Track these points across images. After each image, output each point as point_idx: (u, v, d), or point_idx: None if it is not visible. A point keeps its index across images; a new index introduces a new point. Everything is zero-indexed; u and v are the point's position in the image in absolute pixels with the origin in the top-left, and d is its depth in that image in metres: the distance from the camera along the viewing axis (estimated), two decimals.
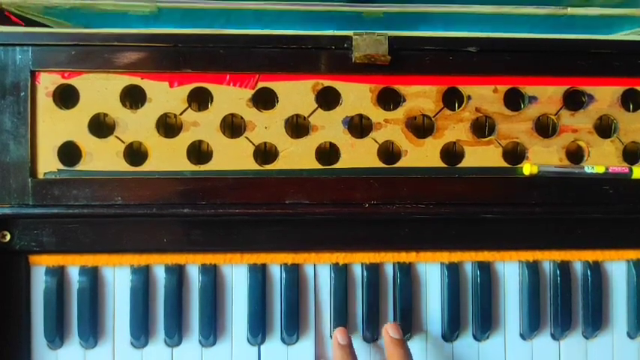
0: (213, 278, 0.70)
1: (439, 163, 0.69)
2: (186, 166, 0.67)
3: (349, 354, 0.66)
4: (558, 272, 0.72)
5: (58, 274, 0.68)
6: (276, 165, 0.68)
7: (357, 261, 0.71)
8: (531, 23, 0.70)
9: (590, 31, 0.72)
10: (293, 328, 0.69)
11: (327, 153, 0.70)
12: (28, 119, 0.66)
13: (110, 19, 0.67)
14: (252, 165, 0.68)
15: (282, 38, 0.67)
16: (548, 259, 0.72)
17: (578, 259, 0.73)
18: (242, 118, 0.68)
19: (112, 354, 0.69)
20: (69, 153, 0.67)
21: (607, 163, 0.70)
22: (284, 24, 0.68)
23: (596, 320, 0.72)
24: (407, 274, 0.71)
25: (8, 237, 0.67)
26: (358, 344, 0.70)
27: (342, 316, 0.70)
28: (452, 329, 0.70)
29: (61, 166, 0.66)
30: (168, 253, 0.70)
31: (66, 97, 0.67)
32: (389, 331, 0.67)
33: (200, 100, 0.69)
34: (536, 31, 0.70)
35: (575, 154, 0.71)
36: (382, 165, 0.69)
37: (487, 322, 0.71)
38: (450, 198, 0.68)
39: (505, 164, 0.70)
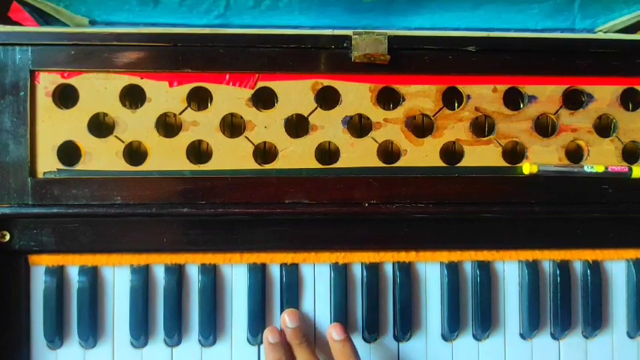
0: (212, 278, 0.69)
1: (439, 163, 0.69)
2: (186, 165, 0.67)
3: (280, 349, 0.66)
4: (558, 272, 0.72)
5: (58, 274, 0.68)
6: (276, 164, 0.68)
7: (357, 260, 0.71)
8: (530, 6, 0.69)
9: (590, 15, 0.71)
10: None
11: (327, 152, 0.70)
12: (27, 119, 0.66)
13: (109, 5, 0.67)
14: (251, 164, 0.68)
15: (281, 38, 0.67)
16: (547, 258, 0.72)
17: (578, 258, 0.73)
18: (241, 117, 0.68)
19: (112, 354, 0.69)
20: (68, 153, 0.67)
21: (606, 162, 0.70)
22: (282, 10, 0.68)
23: (595, 320, 0.72)
24: (406, 273, 0.71)
25: (8, 237, 0.67)
26: (358, 344, 0.70)
27: (341, 316, 0.70)
28: (451, 329, 0.70)
29: (61, 166, 0.66)
30: (168, 253, 0.70)
31: (65, 97, 0.67)
32: (332, 333, 0.67)
33: (199, 99, 0.69)
34: (535, 16, 0.69)
35: (575, 154, 0.71)
36: (382, 164, 0.69)
37: (487, 322, 0.71)
38: (450, 197, 0.68)
39: (504, 163, 0.70)
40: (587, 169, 0.69)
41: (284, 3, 0.68)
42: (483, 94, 0.69)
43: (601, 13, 0.73)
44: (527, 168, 0.69)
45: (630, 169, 0.69)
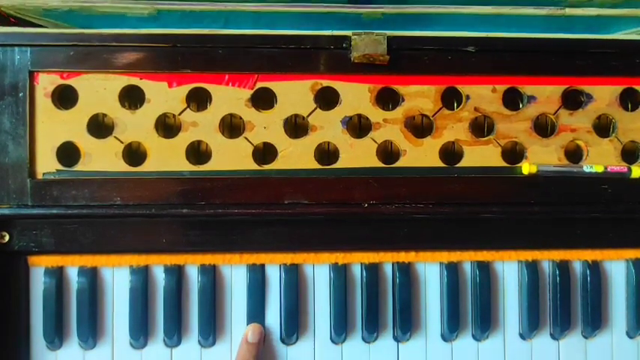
0: (212, 278, 0.69)
1: (438, 163, 0.69)
2: (185, 166, 0.67)
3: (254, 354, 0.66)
4: (557, 272, 0.72)
5: (57, 275, 0.68)
6: (275, 165, 0.68)
7: (357, 261, 0.71)
8: (530, 24, 0.70)
9: (589, 31, 0.72)
10: (292, 328, 0.69)
11: (326, 153, 0.70)
12: (26, 120, 0.66)
13: (108, 22, 0.67)
14: (251, 165, 0.68)
15: (280, 38, 0.67)
16: (547, 258, 0.72)
17: (577, 258, 0.73)
18: (241, 118, 0.68)
19: (112, 355, 0.69)
20: (68, 153, 0.67)
21: (606, 162, 0.70)
22: (282, 26, 0.69)
23: (595, 320, 0.72)
24: (406, 273, 0.71)
25: (7, 238, 0.67)
26: (358, 344, 0.71)
27: (341, 316, 0.70)
28: (451, 329, 0.70)
29: (60, 167, 0.66)
30: (167, 254, 0.69)
31: (65, 98, 0.67)
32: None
33: (199, 100, 0.69)
34: (534, 32, 0.70)
35: (574, 154, 0.71)
36: (381, 165, 0.69)
37: (486, 322, 0.71)
38: (449, 198, 0.68)
39: (504, 164, 0.70)
40: (587, 169, 0.69)
41: (283, 18, 0.68)
42: (483, 95, 0.69)
43: (599, 32, 0.73)
44: (526, 168, 0.69)
45: (629, 169, 0.70)
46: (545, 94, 0.70)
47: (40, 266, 0.68)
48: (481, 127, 0.72)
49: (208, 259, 0.70)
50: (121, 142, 0.67)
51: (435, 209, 0.68)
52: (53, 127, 0.66)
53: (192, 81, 0.67)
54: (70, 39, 0.66)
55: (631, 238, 0.72)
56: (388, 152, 0.71)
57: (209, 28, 0.68)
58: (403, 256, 0.71)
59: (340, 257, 0.71)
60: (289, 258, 0.70)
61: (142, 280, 0.69)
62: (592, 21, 0.72)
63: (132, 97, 0.68)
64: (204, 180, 0.67)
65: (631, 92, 0.71)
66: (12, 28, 0.67)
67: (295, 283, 0.70)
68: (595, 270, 0.72)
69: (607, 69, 0.70)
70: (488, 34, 0.69)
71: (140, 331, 0.68)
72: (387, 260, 0.71)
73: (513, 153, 0.71)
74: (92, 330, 0.68)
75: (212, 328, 0.69)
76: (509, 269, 0.73)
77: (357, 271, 0.71)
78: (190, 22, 0.68)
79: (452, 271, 0.71)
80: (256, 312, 0.70)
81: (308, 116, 0.68)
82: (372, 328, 0.70)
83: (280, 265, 0.70)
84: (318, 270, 0.71)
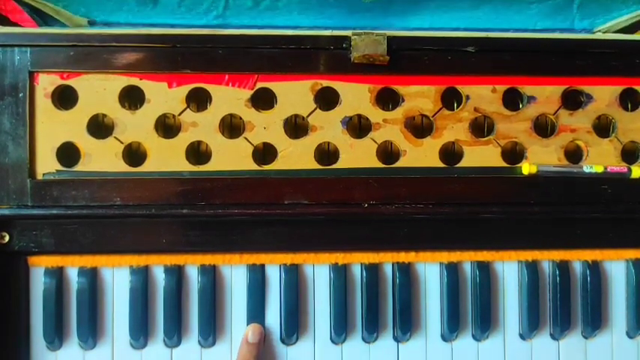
0: (212, 279, 0.69)
1: (438, 163, 0.69)
2: (185, 166, 0.67)
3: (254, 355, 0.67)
4: (557, 272, 0.72)
5: (57, 275, 0.68)
6: (275, 165, 0.68)
7: (357, 261, 0.71)
8: (528, 5, 0.70)
9: (589, 15, 0.71)
10: (292, 328, 0.69)
11: (326, 153, 0.70)
12: (26, 120, 0.66)
13: (108, 5, 0.67)
14: (250, 165, 0.68)
15: (280, 38, 0.67)
16: (547, 258, 0.72)
17: (577, 258, 0.73)
18: (241, 118, 0.68)
19: (112, 355, 0.69)
20: (68, 154, 0.67)
21: (606, 162, 0.70)
22: (280, 10, 0.68)
23: (595, 320, 0.72)
24: (406, 274, 0.71)
25: (7, 238, 0.67)
26: (358, 345, 0.71)
27: (341, 317, 0.70)
28: (451, 329, 0.70)
29: (60, 167, 0.66)
30: (167, 254, 0.69)
31: (65, 98, 0.67)
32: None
33: (199, 100, 0.69)
34: (532, 15, 0.69)
35: (574, 154, 0.71)
36: (381, 165, 0.69)
37: (486, 322, 0.71)
38: (449, 198, 0.68)
39: (504, 164, 0.70)
40: (587, 169, 0.69)
41: (283, 3, 0.68)
42: (482, 95, 0.69)
43: (600, 13, 0.74)
44: (526, 168, 0.69)
45: (629, 170, 0.70)
46: (545, 94, 0.70)
47: (40, 266, 0.68)
48: (481, 128, 0.72)
49: (208, 259, 0.70)
50: (121, 143, 0.67)
51: (435, 209, 0.68)
52: (53, 128, 0.66)
53: (192, 81, 0.67)
54: (70, 39, 0.66)
55: (631, 238, 0.72)
56: (388, 152, 0.71)
57: (208, 13, 0.67)
58: (403, 257, 0.71)
59: (340, 257, 0.71)
60: (289, 258, 0.70)
61: (142, 280, 0.69)
62: (591, 2, 0.71)
63: (132, 98, 0.68)
64: (204, 180, 0.67)
65: (631, 92, 0.71)
66: (12, 28, 0.67)
67: (295, 283, 0.70)
68: (595, 270, 0.72)
69: (607, 69, 0.70)
70: (488, 34, 0.69)
71: (140, 332, 0.68)
72: (387, 260, 0.71)
73: (513, 153, 0.71)
74: (92, 330, 0.68)
75: (212, 329, 0.69)
76: (509, 269, 0.73)
77: (357, 272, 0.71)
78: (189, 7, 0.68)
79: (452, 271, 0.71)
80: (256, 312, 0.70)
81: (308, 116, 0.68)
82: (372, 328, 0.70)
83: (280, 265, 0.70)
84: (318, 270, 0.71)
